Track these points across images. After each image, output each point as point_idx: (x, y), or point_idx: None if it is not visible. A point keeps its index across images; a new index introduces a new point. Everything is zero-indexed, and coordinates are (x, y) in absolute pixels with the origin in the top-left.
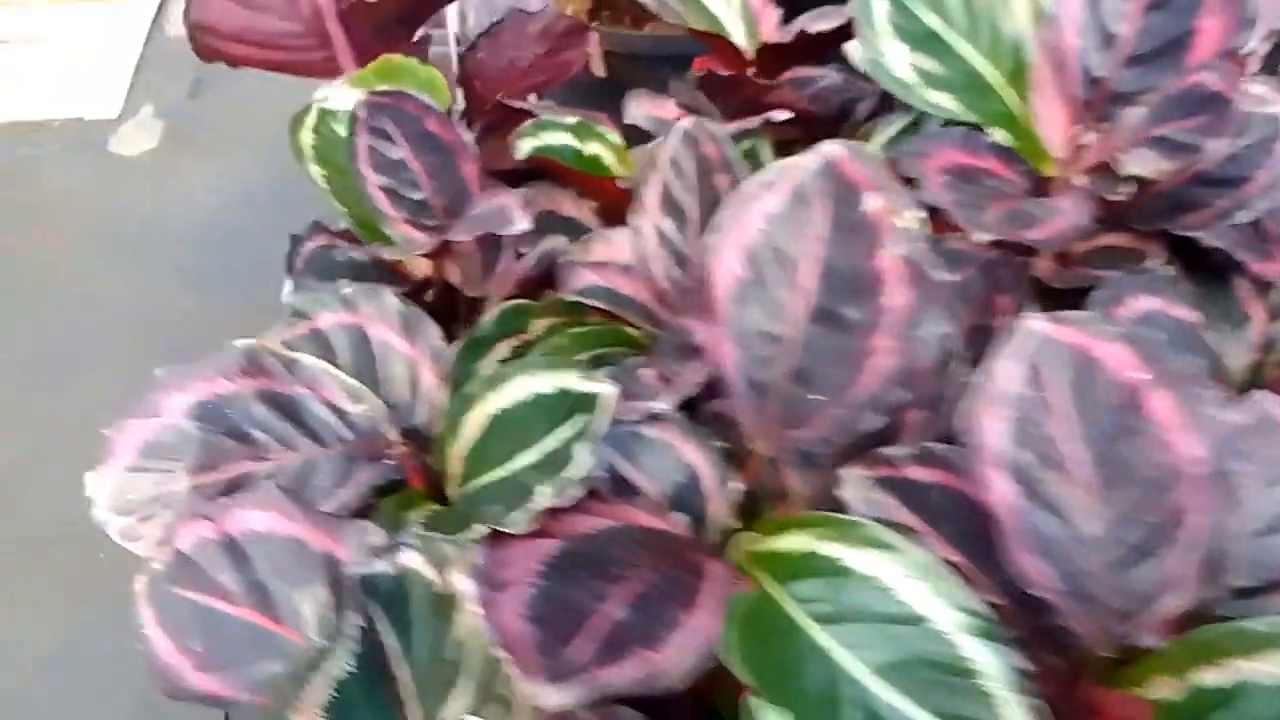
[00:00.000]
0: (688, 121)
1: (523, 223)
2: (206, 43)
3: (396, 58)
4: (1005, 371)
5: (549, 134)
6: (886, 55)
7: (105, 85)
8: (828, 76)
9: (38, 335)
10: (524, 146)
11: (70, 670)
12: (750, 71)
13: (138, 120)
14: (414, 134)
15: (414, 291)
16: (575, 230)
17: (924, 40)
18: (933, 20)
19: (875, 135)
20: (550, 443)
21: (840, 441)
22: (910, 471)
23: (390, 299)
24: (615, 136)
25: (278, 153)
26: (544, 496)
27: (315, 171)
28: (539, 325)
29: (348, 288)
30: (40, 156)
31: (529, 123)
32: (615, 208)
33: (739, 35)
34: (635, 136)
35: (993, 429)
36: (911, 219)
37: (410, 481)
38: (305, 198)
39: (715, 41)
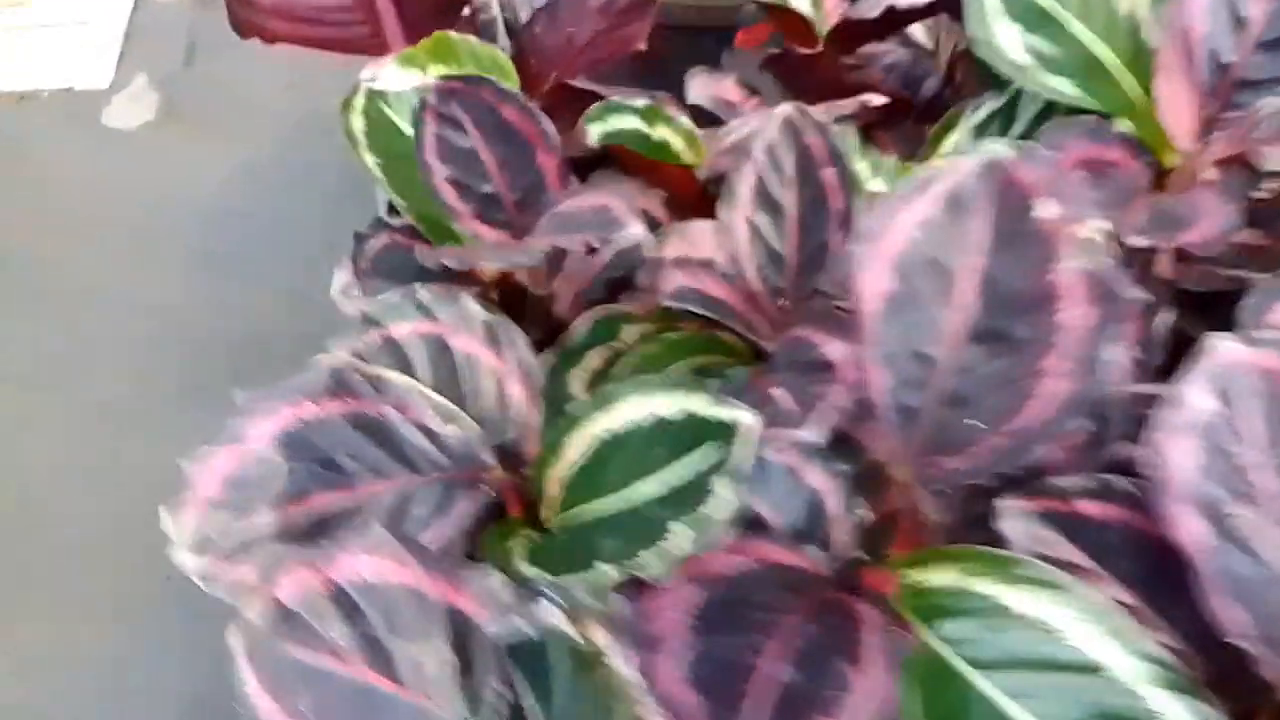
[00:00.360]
0: (788, 108)
1: (635, 227)
2: (245, 18)
3: (453, 35)
4: (1193, 398)
5: (617, 118)
6: (999, 36)
7: (94, 53)
8: (894, 52)
9: (40, 331)
10: (593, 132)
11: (100, 684)
12: (818, 48)
13: (131, 91)
14: (487, 123)
15: (482, 291)
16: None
17: (1036, 19)
18: None
19: (963, 118)
20: (677, 473)
21: (1001, 471)
22: (1081, 505)
23: (472, 306)
24: (685, 120)
25: (282, 124)
26: (683, 539)
27: (369, 160)
28: (630, 333)
29: (424, 292)
30: (29, 131)
31: (596, 106)
32: (685, 198)
33: (804, 7)
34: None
35: (1180, 460)
36: (1093, 230)
37: (508, 508)
38: (315, 172)
39: (780, 15)
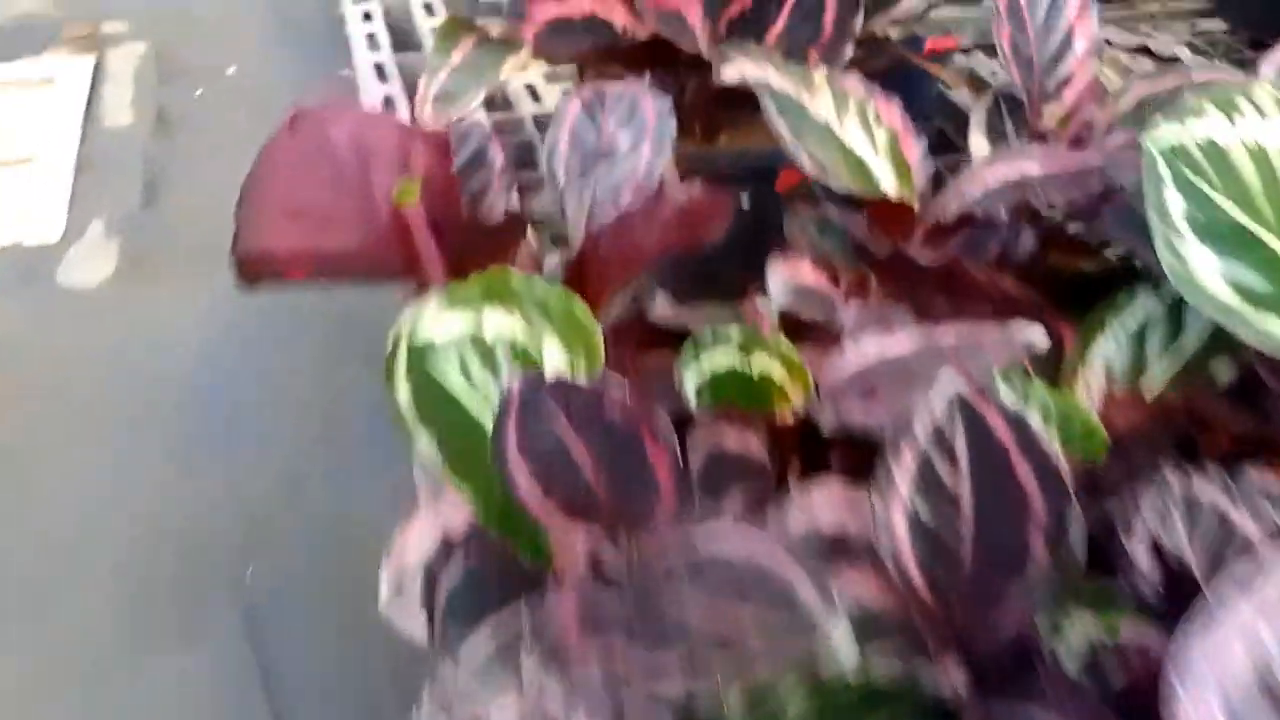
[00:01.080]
0: (955, 379)
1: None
2: (261, 270)
3: (513, 273)
4: None
5: (711, 355)
6: (1192, 262)
7: (42, 200)
8: (986, 215)
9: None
10: (690, 380)
11: None
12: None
13: (87, 242)
14: (584, 417)
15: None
16: (745, 474)
17: (1232, 240)
18: (1236, 213)
19: (1112, 321)
20: None
21: None
22: None
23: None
24: (784, 344)
25: None
26: None
27: (424, 440)
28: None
29: (527, 661)
30: None
31: (689, 346)
32: (788, 434)
33: (889, 185)
34: None
35: None
36: None
37: None
38: (302, 324)
39: (869, 197)
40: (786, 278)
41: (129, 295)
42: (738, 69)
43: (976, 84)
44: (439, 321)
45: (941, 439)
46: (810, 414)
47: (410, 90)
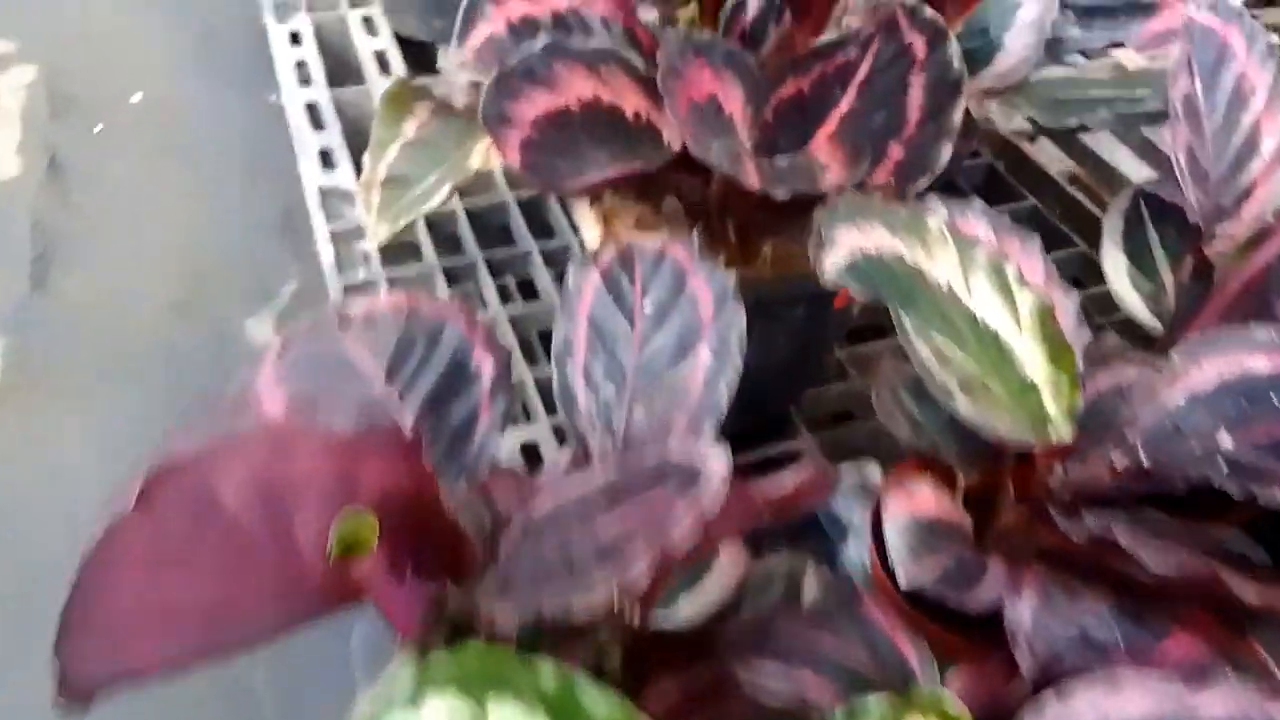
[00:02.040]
0: None
1: None
2: (110, 686)
3: (534, 667)
4: None
5: None
6: None
7: None
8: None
9: None
10: None
11: None
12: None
13: None
14: None
15: None
16: None
17: None
18: None
19: None
20: None
21: None
22: None
23: None
24: (951, 703)
25: (172, 365)
26: None
27: None
28: None
29: None
30: None
31: None
32: None
33: (1041, 377)
34: None
35: None
36: None
37: None
38: None
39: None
40: (907, 514)
41: (13, 413)
42: (848, 246)
43: (1107, 178)
44: (419, 710)
45: None
46: None
47: (351, 139)
